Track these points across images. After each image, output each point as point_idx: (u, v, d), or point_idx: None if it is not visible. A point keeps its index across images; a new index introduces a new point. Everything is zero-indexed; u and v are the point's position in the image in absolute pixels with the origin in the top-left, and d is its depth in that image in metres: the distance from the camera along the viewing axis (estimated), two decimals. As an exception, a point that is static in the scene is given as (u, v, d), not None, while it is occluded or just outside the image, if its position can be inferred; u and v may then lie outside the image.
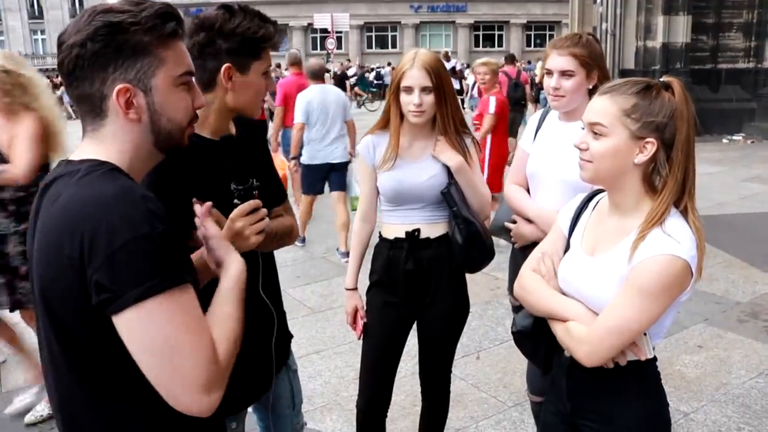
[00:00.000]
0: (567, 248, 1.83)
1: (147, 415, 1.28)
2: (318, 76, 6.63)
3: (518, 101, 10.88)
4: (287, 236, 2.08)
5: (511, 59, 12.56)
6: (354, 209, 6.47)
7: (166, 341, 1.17)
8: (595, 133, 1.64)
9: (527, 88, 11.87)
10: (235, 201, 1.72)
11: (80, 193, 1.21)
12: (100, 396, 1.28)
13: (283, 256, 6.09)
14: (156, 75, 1.31)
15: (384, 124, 2.54)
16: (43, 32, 48.77)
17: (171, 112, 1.34)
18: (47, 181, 1.32)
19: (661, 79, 1.66)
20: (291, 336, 2.31)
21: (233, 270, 1.39)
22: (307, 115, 6.37)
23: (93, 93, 1.29)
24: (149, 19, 1.28)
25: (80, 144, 1.36)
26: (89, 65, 1.26)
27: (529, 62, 27.14)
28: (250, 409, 2.27)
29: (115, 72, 1.27)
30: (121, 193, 1.20)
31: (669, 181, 1.60)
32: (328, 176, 6.49)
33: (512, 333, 1.95)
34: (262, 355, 2.06)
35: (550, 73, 2.51)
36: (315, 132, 6.36)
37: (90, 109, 1.31)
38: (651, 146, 1.60)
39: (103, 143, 1.32)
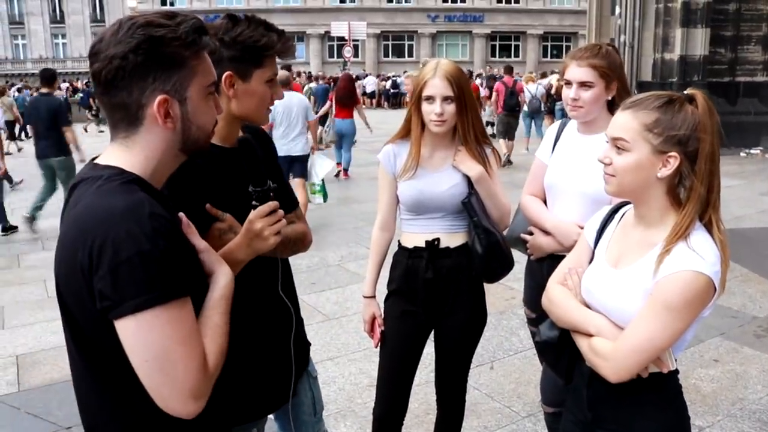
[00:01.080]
0: (592, 259, 1.85)
1: (149, 403, 1.33)
2: (285, 84, 7.93)
3: (513, 108, 12.87)
4: (301, 242, 2.10)
5: (509, 71, 14.44)
6: (313, 193, 8.07)
7: (159, 349, 1.25)
8: (618, 148, 1.65)
9: (523, 95, 13.78)
10: (254, 203, 1.75)
11: (95, 203, 1.29)
12: (107, 385, 1.37)
13: (297, 263, 6.10)
14: (191, 86, 1.38)
15: (405, 133, 2.56)
16: (64, 36, 49.40)
17: (201, 120, 1.42)
18: (75, 181, 1.39)
19: (685, 92, 1.66)
20: (309, 344, 2.33)
21: (222, 281, 1.44)
22: (272, 117, 7.80)
23: (131, 102, 1.34)
24: (188, 34, 1.34)
25: (108, 147, 1.42)
26: (130, 76, 1.32)
27: (544, 74, 27.14)
28: (271, 416, 2.29)
29: (154, 83, 1.34)
30: (131, 208, 1.26)
31: (693, 194, 1.61)
32: (291, 167, 7.90)
33: (535, 343, 1.96)
34: (281, 355, 2.07)
35: (569, 83, 2.52)
36: (281, 130, 7.87)
37: (124, 117, 1.37)
38: (674, 160, 1.61)
39: (131, 150, 1.38)
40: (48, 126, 8.12)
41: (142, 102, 1.34)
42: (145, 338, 1.24)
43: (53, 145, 8.11)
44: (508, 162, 12.31)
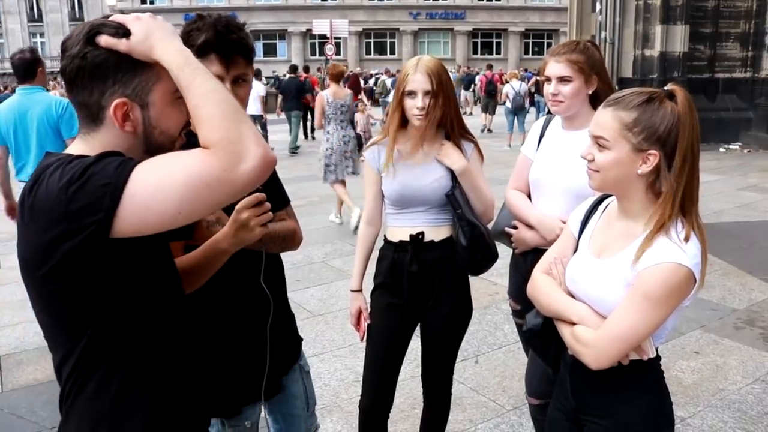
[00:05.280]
0: (576, 249, 1.88)
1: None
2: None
3: (491, 92, 18.99)
4: (290, 240, 2.11)
5: (489, 67, 22.06)
6: None
7: (161, 184, 1.21)
8: (600, 145, 1.69)
9: (498, 86, 19.75)
10: None
11: (49, 179, 1.26)
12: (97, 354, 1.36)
13: (282, 259, 6.10)
14: (153, 90, 1.35)
15: (389, 131, 2.59)
16: (42, 35, 48.69)
17: (165, 125, 1.39)
18: (35, 174, 1.35)
19: (665, 88, 1.69)
20: (301, 339, 2.35)
21: (171, 53, 1.30)
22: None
23: (91, 103, 1.34)
24: None
25: (73, 143, 1.42)
26: (89, 76, 1.31)
27: (526, 70, 27.53)
28: (263, 415, 2.30)
29: (114, 85, 1.32)
30: (78, 159, 1.25)
31: (674, 190, 1.64)
32: None
33: (523, 331, 2.00)
34: (260, 344, 2.07)
35: (548, 80, 2.56)
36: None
37: (87, 115, 1.36)
38: (653, 158, 1.64)
39: (90, 144, 1.37)
40: None
41: (102, 104, 1.33)
42: (153, 187, 1.20)
43: None
44: (488, 131, 17.79)
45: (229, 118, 1.25)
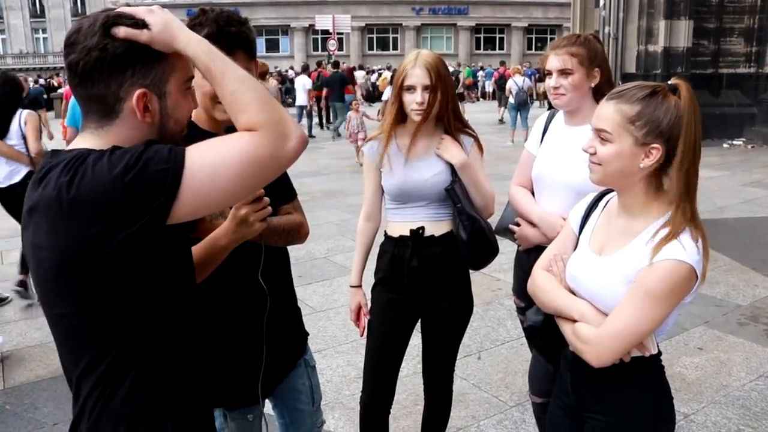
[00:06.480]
0: (576, 246, 1.87)
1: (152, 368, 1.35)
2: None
3: (501, 86, 19.72)
4: (296, 233, 2.10)
5: (502, 64, 25.51)
6: None
7: (216, 165, 1.24)
8: (602, 139, 1.67)
9: (508, 80, 18.50)
10: None
11: (93, 170, 1.23)
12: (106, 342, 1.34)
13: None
14: (169, 81, 1.37)
15: (388, 126, 2.57)
16: (44, 31, 48.77)
17: (178, 114, 1.41)
18: (44, 171, 1.30)
19: (669, 82, 1.68)
20: (307, 334, 2.34)
21: (196, 42, 1.33)
22: None
23: (108, 95, 1.32)
24: None
25: (76, 139, 1.38)
26: (108, 69, 1.30)
27: (529, 66, 27.54)
28: (268, 410, 2.29)
29: (133, 76, 1.32)
30: (120, 150, 1.25)
31: (686, 190, 1.62)
32: None
33: (524, 328, 1.99)
34: (253, 337, 2.06)
35: (550, 74, 2.54)
36: None
37: (100, 109, 1.34)
38: (656, 152, 1.63)
39: (102, 138, 1.35)
40: None
41: (120, 95, 1.32)
42: (209, 168, 1.23)
43: None
44: (500, 121, 19.15)
45: (269, 102, 1.31)
